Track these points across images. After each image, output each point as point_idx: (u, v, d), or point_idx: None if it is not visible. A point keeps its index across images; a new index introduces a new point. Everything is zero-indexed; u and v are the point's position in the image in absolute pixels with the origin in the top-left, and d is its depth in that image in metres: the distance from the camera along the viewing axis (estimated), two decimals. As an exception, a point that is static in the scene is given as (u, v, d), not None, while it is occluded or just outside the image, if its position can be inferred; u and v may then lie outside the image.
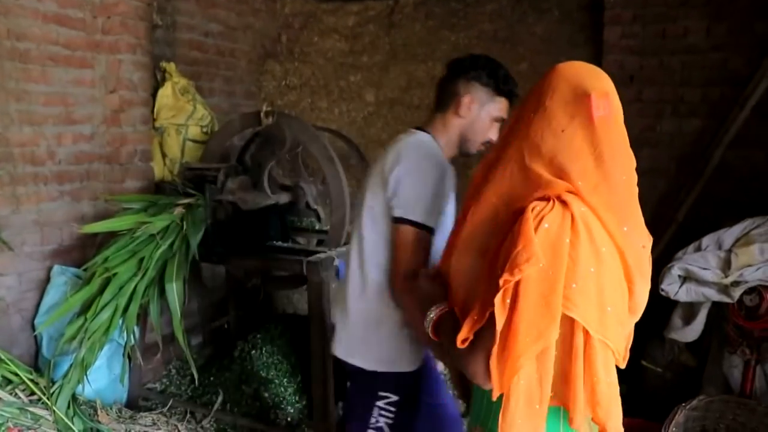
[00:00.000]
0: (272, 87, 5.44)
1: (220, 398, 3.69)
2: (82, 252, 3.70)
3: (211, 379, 4.01)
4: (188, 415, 3.59)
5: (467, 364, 1.40)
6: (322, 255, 3.13)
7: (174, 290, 2.91)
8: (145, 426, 2.98)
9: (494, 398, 1.33)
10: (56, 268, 3.55)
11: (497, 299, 1.30)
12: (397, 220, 1.99)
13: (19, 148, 3.42)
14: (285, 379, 3.81)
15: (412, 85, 5.31)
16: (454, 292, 1.56)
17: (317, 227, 3.75)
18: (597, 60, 4.75)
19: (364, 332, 2.11)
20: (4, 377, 2.84)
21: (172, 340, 4.43)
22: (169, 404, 3.54)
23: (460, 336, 1.37)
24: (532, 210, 1.33)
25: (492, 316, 1.31)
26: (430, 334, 1.57)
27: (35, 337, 3.52)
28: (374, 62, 5.42)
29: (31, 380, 2.84)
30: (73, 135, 3.68)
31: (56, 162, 3.61)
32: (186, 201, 3.23)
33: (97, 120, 3.78)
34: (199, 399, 3.88)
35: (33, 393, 2.84)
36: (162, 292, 2.98)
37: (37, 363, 3.52)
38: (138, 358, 3.58)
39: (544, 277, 1.28)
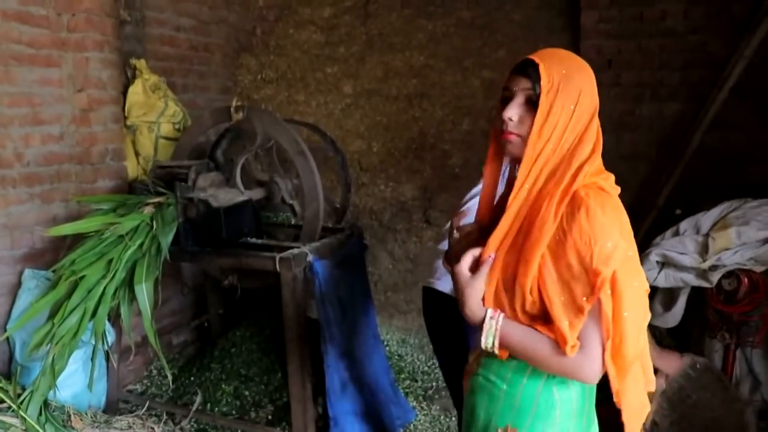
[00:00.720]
0: (248, 81, 5.38)
1: (199, 398, 3.64)
2: (55, 255, 3.63)
3: (192, 378, 3.96)
4: (166, 417, 3.55)
5: (579, 368, 1.44)
6: (294, 251, 3.08)
7: (144, 291, 2.85)
8: (121, 429, 2.94)
9: (617, 396, 1.46)
10: (27, 272, 3.49)
11: (603, 294, 1.38)
12: None
13: (-15, 151, 3.36)
14: (265, 377, 3.76)
15: (390, 75, 5.26)
16: (490, 287, 1.55)
17: (293, 222, 3.70)
18: (575, 45, 4.71)
19: None
20: (-28, 386, 2.79)
21: (153, 340, 4.41)
22: (146, 406, 3.48)
23: (568, 345, 1.40)
24: (588, 197, 1.42)
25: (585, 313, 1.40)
26: (496, 349, 1.52)
27: (8, 342, 3.48)
28: (351, 53, 5.36)
29: (1, 388, 2.78)
30: (42, 136, 3.61)
31: (24, 164, 3.54)
32: (156, 200, 3.18)
33: (65, 120, 3.71)
34: (180, 399, 3.84)
35: (2, 401, 2.79)
36: (133, 294, 2.92)
37: (10, 369, 3.48)
38: (113, 361, 3.54)
39: (630, 263, 1.43)
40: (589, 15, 4.54)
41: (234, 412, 3.65)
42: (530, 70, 1.50)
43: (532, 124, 1.46)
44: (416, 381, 4.22)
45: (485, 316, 1.51)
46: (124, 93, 4.00)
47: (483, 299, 1.54)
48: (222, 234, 3.15)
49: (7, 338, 3.42)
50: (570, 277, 1.41)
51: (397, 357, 4.45)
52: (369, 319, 3.56)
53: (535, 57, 1.52)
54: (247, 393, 3.68)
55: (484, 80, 5.07)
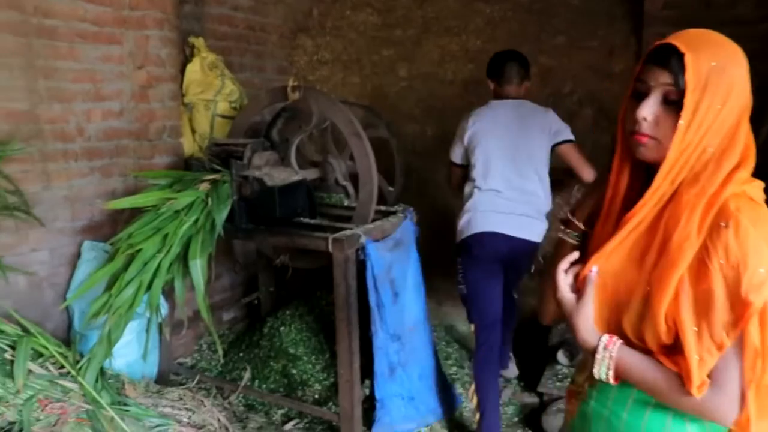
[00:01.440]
0: (304, 62, 5.39)
1: (247, 374, 3.69)
2: (113, 228, 3.71)
3: (241, 354, 4.02)
4: (215, 391, 3.61)
5: (711, 408, 1.24)
6: (347, 232, 3.08)
7: (198, 267, 2.89)
8: (172, 401, 2.99)
9: None
10: (86, 243, 3.57)
11: (752, 326, 1.19)
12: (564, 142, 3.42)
13: (49, 125, 3.43)
14: (313, 356, 3.79)
15: (446, 59, 5.20)
16: (601, 306, 1.38)
17: (346, 204, 3.70)
18: (637, 33, 4.60)
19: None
20: (35, 350, 2.87)
21: (204, 315, 4.48)
22: (196, 380, 3.55)
23: (694, 385, 1.22)
24: (739, 210, 1.21)
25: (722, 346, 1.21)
26: (611, 380, 1.34)
27: (68, 311, 3.58)
28: (407, 36, 5.32)
29: (60, 354, 2.86)
30: (102, 111, 3.68)
31: (86, 138, 3.61)
32: (211, 177, 3.21)
33: (125, 96, 3.77)
34: (229, 374, 3.90)
35: (63, 366, 2.87)
36: (187, 269, 2.96)
37: (69, 336, 3.58)
38: (166, 334, 3.60)
39: None
40: (653, 1, 4.41)
41: (281, 389, 3.69)
42: (673, 61, 1.24)
43: (670, 126, 1.24)
44: (463, 368, 4.21)
45: (598, 345, 1.34)
46: (182, 71, 4.04)
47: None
48: (276, 212, 3.17)
49: (66, 307, 3.52)
50: (710, 306, 1.20)
51: (444, 343, 4.44)
52: (420, 304, 3.54)
53: (678, 42, 1.24)
54: (294, 372, 3.71)
55: (541, 67, 4.96)
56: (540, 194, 3.36)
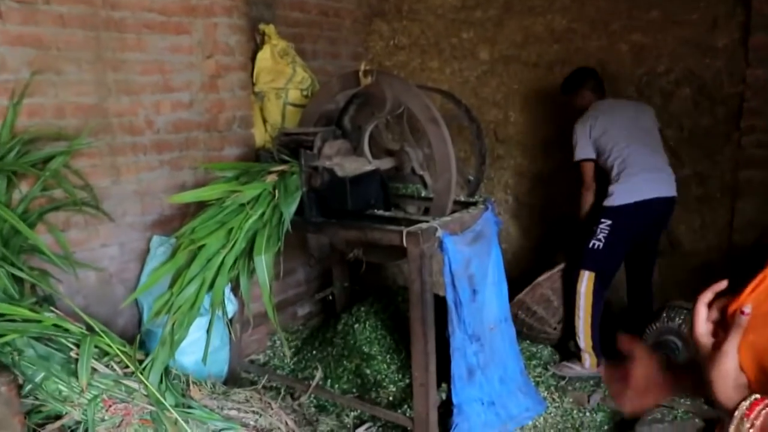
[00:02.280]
0: (380, 47, 5.19)
1: (319, 374, 3.53)
2: (182, 222, 3.62)
3: (314, 352, 3.88)
4: (284, 393, 3.46)
5: None
6: (423, 225, 2.86)
7: (263, 263, 2.73)
8: (238, 403, 2.85)
9: None
10: (155, 238, 3.50)
11: None
12: None
13: (118, 119, 3.36)
14: (388, 356, 3.61)
15: (529, 41, 4.89)
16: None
17: (423, 194, 3.47)
18: (745, 2, 4.18)
19: None
20: (100, 349, 2.78)
21: (277, 311, 4.36)
22: (264, 380, 3.40)
23: None
24: None
25: None
26: None
27: (137, 305, 3.51)
28: (488, 17, 5.03)
29: (125, 353, 2.76)
30: (171, 103, 3.59)
31: (155, 131, 3.54)
32: (279, 168, 3.05)
33: (194, 87, 3.67)
34: (301, 373, 3.77)
35: (128, 366, 2.77)
36: (253, 265, 2.81)
37: (140, 330, 3.52)
38: (236, 331, 3.49)
39: None
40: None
41: (354, 390, 3.52)
42: None
43: None
44: (547, 369, 3.92)
45: (736, 410, 0.95)
46: (253, 59, 3.92)
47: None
48: (347, 205, 2.98)
49: (137, 302, 3.46)
50: None
51: (527, 342, 4.15)
52: (501, 301, 3.30)
53: None
54: (368, 371, 3.53)
55: (634, 45, 4.60)
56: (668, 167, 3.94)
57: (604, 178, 3.91)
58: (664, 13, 4.56)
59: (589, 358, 3.79)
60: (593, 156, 3.86)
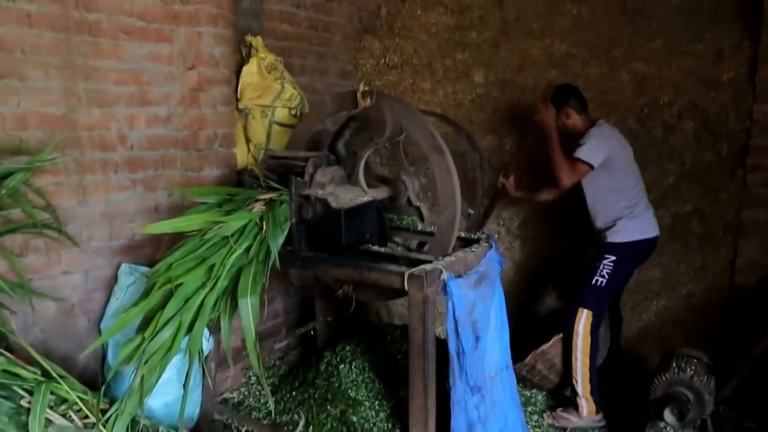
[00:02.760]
0: (370, 65, 4.92)
1: (302, 423, 3.21)
2: (155, 249, 3.32)
3: (293, 393, 3.56)
4: (264, 442, 3.15)
5: None
6: (427, 266, 2.59)
7: (248, 306, 2.42)
8: (213, 459, 2.54)
9: None
10: (123, 267, 3.17)
11: None
12: None
13: (87, 132, 3.05)
14: (376, 402, 3.30)
15: (527, 65, 4.68)
16: None
17: (420, 227, 3.21)
18: (752, 35, 4.01)
19: None
20: (57, 395, 2.45)
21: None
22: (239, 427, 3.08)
23: None
24: None
25: None
26: None
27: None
28: (484, 39, 4.81)
29: (86, 401, 2.43)
30: (147, 117, 3.28)
31: (128, 147, 3.22)
32: (267, 196, 2.75)
33: (174, 100, 3.37)
34: (279, 417, 3.44)
35: (87, 416, 2.44)
36: (235, 306, 2.50)
37: (104, 368, 3.18)
38: (211, 370, 3.18)
39: None
40: (777, -3, 3.82)
41: (339, 439, 3.21)
42: None
43: None
44: (543, 417, 3.66)
45: None
46: (238, 73, 3.62)
47: None
48: (341, 240, 2.70)
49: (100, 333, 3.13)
50: None
51: (521, 386, 3.87)
52: (502, 347, 3.04)
53: None
54: (355, 419, 3.22)
55: (636, 74, 4.42)
56: None
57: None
58: (668, 42, 4.39)
59: (586, 405, 3.54)
60: (597, 165, 3.59)
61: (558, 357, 3.63)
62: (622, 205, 3.64)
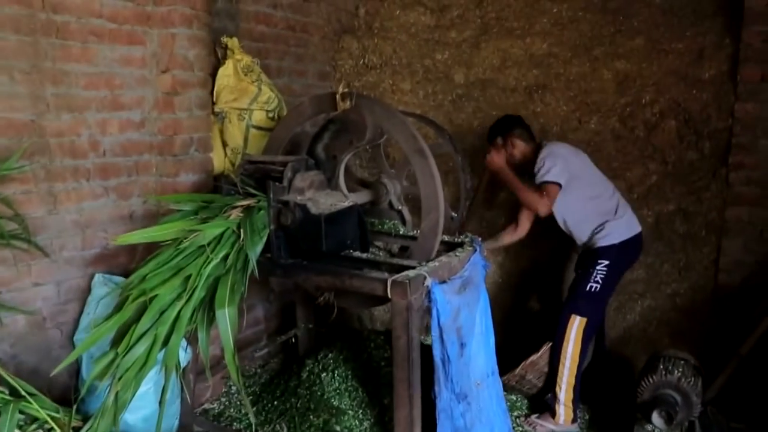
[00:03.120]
0: (349, 66, 4.84)
1: (284, 433, 3.14)
2: (130, 258, 3.22)
3: (275, 403, 3.48)
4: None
5: None
6: (410, 272, 2.52)
7: (226, 317, 2.33)
8: (192, 476, 2.46)
9: None
10: (97, 277, 3.06)
11: None
12: None
13: (56, 139, 2.93)
14: (360, 411, 3.23)
15: (507, 64, 4.64)
16: None
17: (402, 231, 3.14)
18: (733, 32, 3.98)
19: None
20: (27, 414, 2.36)
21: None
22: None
23: None
24: None
25: None
26: None
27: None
28: (464, 38, 4.76)
29: (57, 420, 2.34)
30: (120, 122, 3.18)
31: (100, 154, 3.11)
32: (245, 203, 2.67)
33: (147, 104, 3.27)
34: (261, 427, 3.35)
35: (59, 435, 2.35)
36: (213, 317, 2.41)
37: (78, 384, 3.08)
38: (189, 382, 3.09)
39: None
40: (759, -6, 3.79)
41: (322, 450, 3.13)
42: None
43: None
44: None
45: None
46: (213, 75, 3.52)
47: None
48: (321, 246, 2.62)
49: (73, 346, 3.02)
50: None
51: (506, 392, 3.82)
52: (488, 353, 2.99)
53: None
54: (338, 429, 3.14)
55: (617, 72, 4.39)
56: None
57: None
58: (649, 41, 4.36)
59: (564, 413, 3.48)
60: (564, 183, 3.51)
61: (548, 366, 3.56)
62: (602, 209, 3.58)
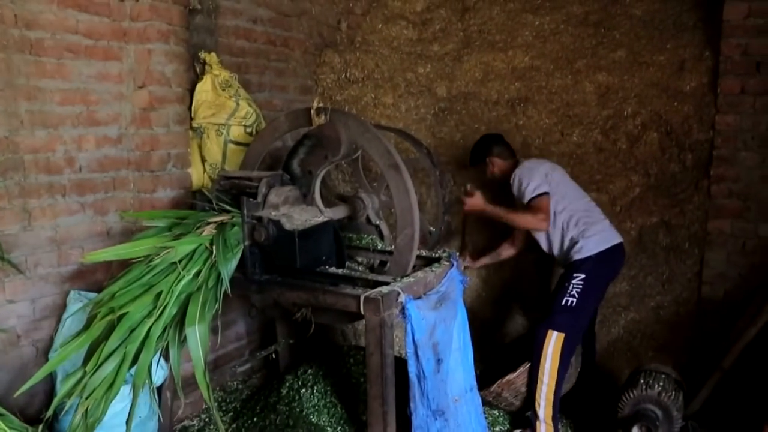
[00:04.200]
0: (330, 80, 4.83)
1: (261, 452, 3.11)
2: (107, 274, 3.19)
3: (254, 419, 3.45)
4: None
5: None
6: (383, 288, 2.50)
7: (196, 335, 2.31)
8: (165, 497, 2.42)
9: None
10: (72, 293, 3.04)
11: None
12: None
13: (31, 155, 2.92)
14: (339, 427, 3.21)
15: (490, 77, 4.65)
16: None
17: (379, 247, 3.12)
18: (713, 44, 4.00)
19: None
20: (-5, 434, 2.33)
21: (214, 368, 3.91)
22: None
23: None
24: None
25: None
26: None
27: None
28: (446, 51, 4.78)
29: (27, 440, 2.31)
30: (97, 138, 3.17)
31: (76, 170, 3.10)
32: (218, 219, 2.65)
33: (124, 120, 3.26)
34: (241, 445, 3.32)
35: (29, 457, 2.32)
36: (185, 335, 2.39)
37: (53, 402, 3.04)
38: (167, 400, 3.06)
39: None
40: (735, 8, 3.82)
41: (302, 468, 3.10)
42: None
43: None
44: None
45: None
46: (191, 91, 3.51)
47: None
48: (296, 262, 2.60)
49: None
50: None
51: (486, 406, 3.78)
52: (466, 369, 2.96)
53: None
54: (317, 446, 3.13)
55: (599, 85, 4.41)
56: None
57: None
58: (631, 53, 4.39)
59: (545, 430, 3.45)
60: (550, 190, 3.52)
61: (524, 386, 3.52)
62: (578, 221, 3.53)
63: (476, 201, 3.62)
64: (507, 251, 4.02)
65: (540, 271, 4.31)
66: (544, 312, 3.54)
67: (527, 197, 3.48)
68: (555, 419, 3.43)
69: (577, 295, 3.41)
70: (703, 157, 4.05)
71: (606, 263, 3.53)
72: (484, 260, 4.14)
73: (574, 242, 3.50)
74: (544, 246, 3.67)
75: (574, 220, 3.53)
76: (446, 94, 4.70)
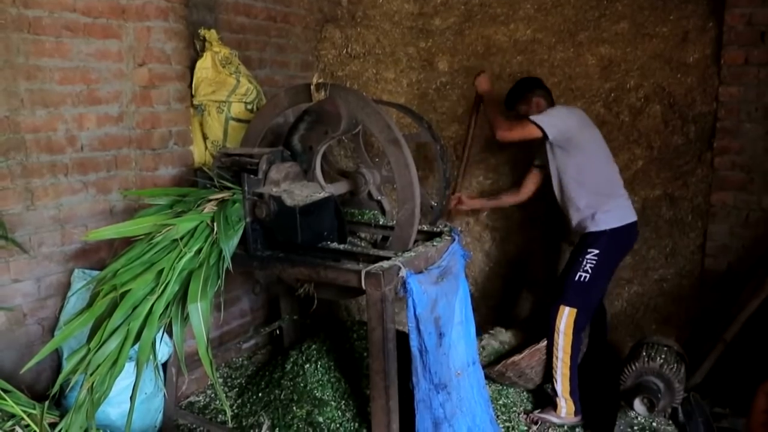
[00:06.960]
0: (332, 56, 4.81)
1: (266, 425, 3.14)
2: (110, 252, 3.21)
3: (259, 395, 3.48)
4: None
5: None
6: (384, 263, 2.51)
7: (198, 312, 2.32)
8: (171, 469, 2.46)
9: None
10: (76, 272, 3.07)
11: None
12: None
13: (32, 134, 2.92)
14: (342, 402, 3.23)
15: (492, 51, 4.61)
16: None
17: (381, 222, 3.13)
18: (717, 15, 3.95)
19: None
20: (3, 411, 2.36)
21: (219, 344, 3.95)
22: (204, 433, 3.00)
23: None
24: None
25: None
26: None
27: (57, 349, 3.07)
28: (447, 26, 4.73)
29: (34, 416, 2.34)
30: (97, 116, 3.17)
31: (78, 149, 3.11)
32: (219, 196, 2.66)
33: (125, 98, 3.26)
34: (245, 419, 3.35)
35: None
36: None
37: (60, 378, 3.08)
38: (172, 376, 3.09)
39: None
40: (739, -24, 3.76)
41: (306, 441, 3.14)
42: None
43: None
44: (515, 410, 3.61)
45: None
46: (192, 68, 3.50)
47: None
48: (297, 238, 2.61)
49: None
50: None
51: (497, 385, 3.81)
52: (468, 343, 2.98)
53: None
54: (321, 420, 3.15)
55: (601, 58, 4.36)
56: None
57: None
58: (633, 25, 4.33)
59: (565, 406, 3.45)
60: (551, 136, 3.39)
61: (529, 368, 3.54)
62: (599, 189, 3.47)
63: (487, 83, 3.71)
64: (511, 198, 3.97)
65: (545, 247, 4.32)
66: (554, 294, 3.54)
67: (531, 116, 3.43)
68: (574, 394, 3.44)
69: (590, 271, 3.39)
70: (706, 129, 4.01)
71: (620, 240, 3.50)
72: (480, 202, 4.11)
73: (592, 212, 3.45)
74: (558, 197, 3.62)
75: (599, 186, 3.47)
76: (448, 68, 4.67)
